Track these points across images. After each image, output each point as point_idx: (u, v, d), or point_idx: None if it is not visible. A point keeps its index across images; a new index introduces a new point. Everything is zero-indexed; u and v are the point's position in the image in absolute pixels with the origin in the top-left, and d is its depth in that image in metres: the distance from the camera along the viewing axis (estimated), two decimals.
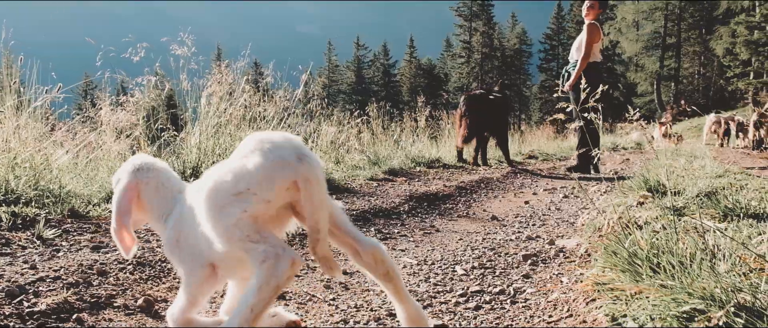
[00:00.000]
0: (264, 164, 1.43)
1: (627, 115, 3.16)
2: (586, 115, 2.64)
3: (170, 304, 2.15)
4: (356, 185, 6.06)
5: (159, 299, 2.20)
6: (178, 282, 2.40)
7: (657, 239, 1.93)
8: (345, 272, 2.73)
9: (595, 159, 8.02)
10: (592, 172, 8.05)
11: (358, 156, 8.05)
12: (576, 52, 7.77)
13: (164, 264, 2.58)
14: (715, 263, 1.68)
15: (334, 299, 2.32)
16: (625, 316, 1.49)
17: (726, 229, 2.59)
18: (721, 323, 1.13)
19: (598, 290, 1.80)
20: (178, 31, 5.43)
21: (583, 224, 3.81)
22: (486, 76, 57.94)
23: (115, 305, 2.08)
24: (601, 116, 3.17)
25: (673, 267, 1.61)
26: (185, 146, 5.29)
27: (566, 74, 7.85)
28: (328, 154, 7.73)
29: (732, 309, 1.14)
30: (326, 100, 8.68)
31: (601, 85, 3.11)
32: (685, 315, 1.25)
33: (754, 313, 1.19)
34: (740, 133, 17.87)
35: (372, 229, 3.86)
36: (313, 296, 2.37)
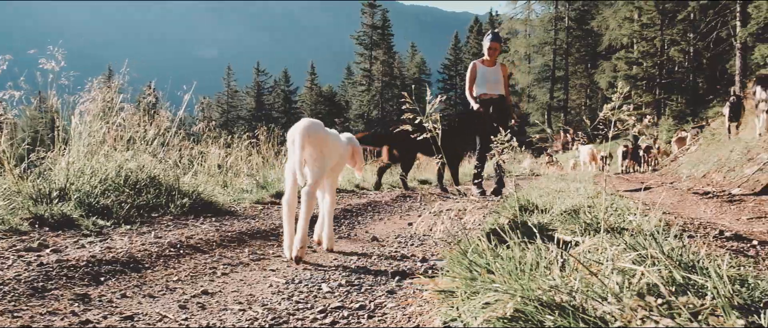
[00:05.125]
0: None
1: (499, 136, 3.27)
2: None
3: None
4: (240, 208, 5.93)
5: None
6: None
7: (503, 250, 1.98)
8: (205, 292, 2.63)
9: (481, 181, 8.63)
10: (477, 194, 8.48)
11: (247, 180, 7.88)
12: (498, 87, 8.70)
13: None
14: (551, 269, 1.74)
15: (185, 320, 2.23)
16: (454, 320, 1.52)
17: (582, 241, 2.70)
18: (508, 314, 1.17)
19: (441, 299, 1.83)
20: (60, 44, 5.13)
21: (451, 242, 3.89)
22: (386, 104, 58.86)
23: None
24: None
25: (510, 273, 1.65)
26: (55, 167, 4.97)
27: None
28: (215, 178, 7.53)
29: (519, 301, 1.19)
30: (213, 122, 8.43)
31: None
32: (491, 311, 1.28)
33: (558, 307, 1.24)
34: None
35: (246, 249, 3.76)
36: (165, 316, 2.26)
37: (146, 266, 3.10)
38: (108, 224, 4.25)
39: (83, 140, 5.18)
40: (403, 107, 2.36)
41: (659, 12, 37.51)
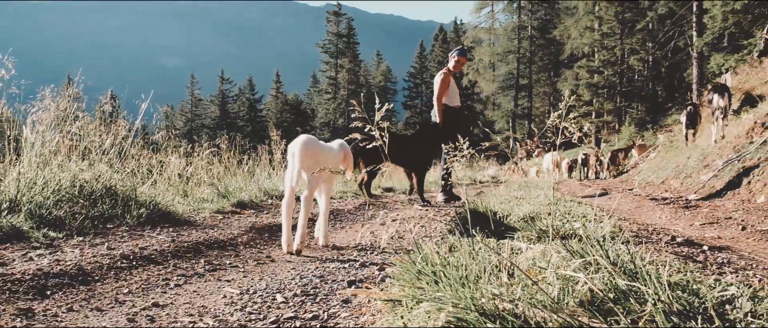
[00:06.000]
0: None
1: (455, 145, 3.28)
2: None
3: None
4: (200, 218, 5.85)
5: None
6: None
7: (453, 258, 1.99)
8: (156, 305, 2.58)
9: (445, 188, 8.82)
10: (441, 201, 8.72)
11: (208, 189, 7.78)
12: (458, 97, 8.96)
13: None
14: (499, 277, 1.75)
15: None
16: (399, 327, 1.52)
17: (530, 248, 2.72)
18: (440, 324, 1.17)
19: (389, 308, 1.82)
20: (10, 52, 5.00)
21: (407, 250, 3.89)
22: (352, 112, 58.84)
23: None
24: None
25: (457, 281, 1.66)
26: (5, 178, 4.83)
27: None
28: (176, 188, 7.41)
29: (452, 311, 1.19)
30: (177, 131, 8.31)
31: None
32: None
33: (499, 316, 1.25)
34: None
35: (202, 260, 3.70)
36: None
37: (96, 278, 3.02)
38: (60, 235, 4.14)
39: (35, 150, 5.05)
40: (353, 116, 2.36)
41: (619, 22, 38.42)
